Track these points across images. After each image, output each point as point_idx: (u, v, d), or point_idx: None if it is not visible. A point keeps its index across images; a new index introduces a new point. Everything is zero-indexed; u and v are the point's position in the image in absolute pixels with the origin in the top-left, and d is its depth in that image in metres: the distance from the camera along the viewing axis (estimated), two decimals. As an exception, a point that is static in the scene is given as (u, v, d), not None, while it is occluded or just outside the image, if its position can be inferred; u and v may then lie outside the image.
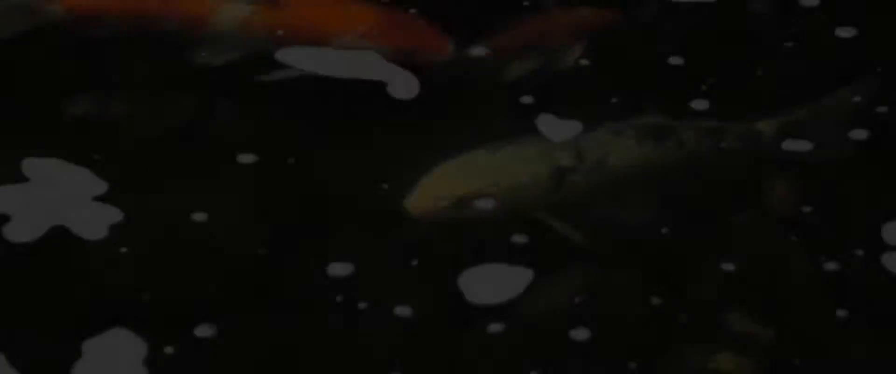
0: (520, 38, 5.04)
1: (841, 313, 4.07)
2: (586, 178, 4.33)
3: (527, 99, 4.81)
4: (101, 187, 4.33)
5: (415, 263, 4.17)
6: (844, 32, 5.13)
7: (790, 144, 4.60)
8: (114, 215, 4.25)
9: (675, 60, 5.01)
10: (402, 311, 4.05)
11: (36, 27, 4.96)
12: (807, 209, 4.42)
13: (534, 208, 4.26)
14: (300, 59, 4.82)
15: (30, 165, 4.39)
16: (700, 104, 4.78)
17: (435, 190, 4.23)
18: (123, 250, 4.18)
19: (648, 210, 4.36)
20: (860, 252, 4.23)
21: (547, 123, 4.68)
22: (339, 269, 4.13)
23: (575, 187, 4.32)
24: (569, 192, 4.32)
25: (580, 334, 4.01)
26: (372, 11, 4.86)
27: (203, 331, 3.94)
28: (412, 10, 4.95)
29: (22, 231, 4.19)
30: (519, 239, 4.24)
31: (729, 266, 4.22)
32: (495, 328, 4.01)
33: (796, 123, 4.63)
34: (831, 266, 4.21)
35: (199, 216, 4.28)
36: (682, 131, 4.53)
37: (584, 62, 5.00)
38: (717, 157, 4.55)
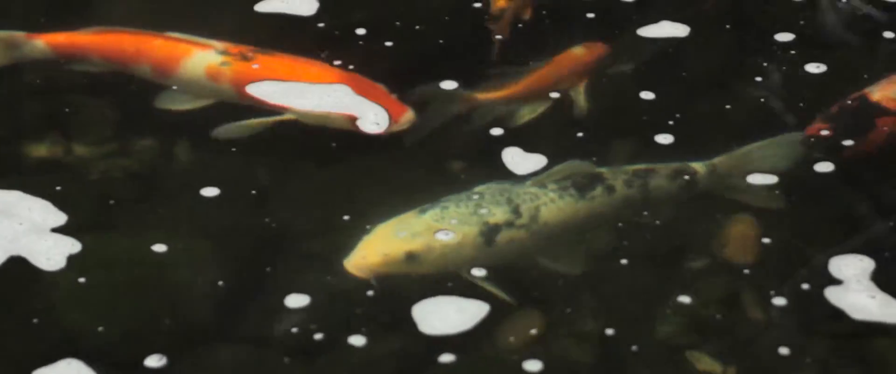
0: (526, 85, 5.07)
1: (783, 350, 4.07)
2: (523, 232, 4.32)
3: (496, 131, 4.83)
4: (61, 218, 4.37)
5: (370, 294, 4.18)
6: (814, 68, 5.14)
7: (745, 181, 4.60)
8: (73, 246, 4.28)
9: (647, 95, 5.03)
10: (357, 341, 4.06)
11: (14, 61, 5.02)
12: (766, 241, 4.41)
13: (466, 265, 4.26)
14: (272, 93, 4.85)
15: (-10, 195, 4.45)
16: (665, 139, 4.79)
17: (373, 251, 4.22)
18: (81, 280, 4.21)
19: (582, 262, 4.35)
20: (806, 286, 4.23)
21: (512, 156, 4.70)
22: (295, 300, 4.15)
23: (512, 243, 4.32)
24: (505, 247, 4.31)
25: (533, 365, 4.01)
26: (335, 75, 4.90)
27: (154, 362, 3.96)
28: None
29: (-20, 261, 4.25)
30: (477, 273, 4.24)
31: (684, 303, 4.22)
32: (448, 359, 4.02)
33: (733, 160, 4.64)
34: (779, 302, 4.21)
35: (159, 248, 4.31)
36: (609, 178, 4.51)
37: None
38: (650, 201, 4.53)
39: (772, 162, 4.63)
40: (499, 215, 4.31)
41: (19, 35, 5.04)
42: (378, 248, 4.22)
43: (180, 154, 4.80)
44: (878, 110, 4.71)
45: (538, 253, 4.33)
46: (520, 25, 5.41)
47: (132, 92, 4.99)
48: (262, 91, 4.85)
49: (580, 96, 5.06)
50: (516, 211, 4.33)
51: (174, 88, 4.92)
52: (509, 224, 4.30)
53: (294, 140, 4.80)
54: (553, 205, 4.38)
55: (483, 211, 4.31)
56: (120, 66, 5.00)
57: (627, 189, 4.48)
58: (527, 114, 4.98)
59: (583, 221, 4.43)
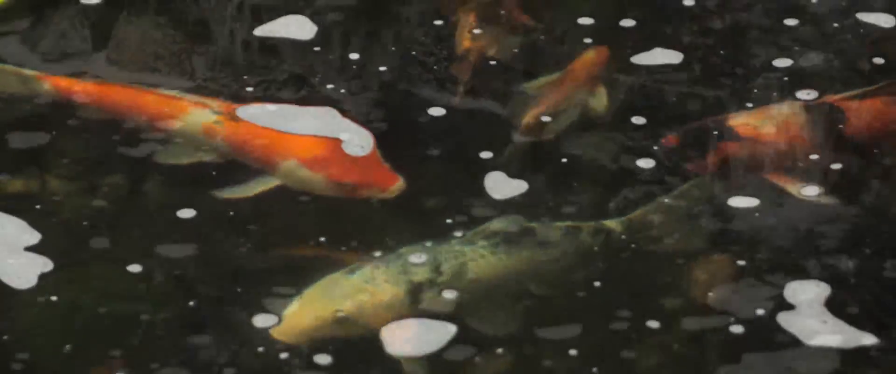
0: (562, 94, 5.11)
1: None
2: (448, 290, 4.30)
3: (485, 154, 4.83)
4: (34, 237, 4.42)
5: (339, 313, 4.19)
6: (804, 95, 5.12)
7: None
8: (44, 264, 4.32)
9: (638, 120, 5.02)
10: (322, 359, 4.07)
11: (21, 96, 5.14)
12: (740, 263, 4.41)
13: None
14: (259, 114, 4.88)
15: (-38, 214, 4.51)
16: (646, 163, 4.78)
17: (300, 317, 4.20)
18: (53, 298, 4.25)
19: (514, 321, 4.31)
20: (761, 312, 4.21)
21: (494, 181, 4.71)
22: (263, 320, 4.17)
23: (437, 302, 4.28)
24: (430, 306, 4.27)
25: (498, 385, 4.03)
26: (329, 139, 4.91)
27: (121, 383, 4.02)
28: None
29: (-50, 278, 4.30)
30: (448, 295, 4.24)
31: (653, 327, 4.21)
32: (413, 380, 4.04)
33: (640, 217, 4.61)
34: (736, 329, 4.19)
35: (134, 268, 4.34)
36: (540, 233, 4.47)
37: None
38: (580, 256, 4.50)
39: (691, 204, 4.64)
40: (423, 273, 4.29)
41: (32, 74, 5.17)
42: (307, 313, 4.20)
43: (150, 184, 4.82)
44: (730, 134, 4.82)
45: (467, 315, 4.27)
46: (513, 51, 5.44)
47: (108, 128, 5.03)
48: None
49: (603, 98, 5.13)
50: (441, 268, 4.31)
51: (178, 140, 4.95)
52: (434, 281, 4.27)
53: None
54: (480, 261, 4.36)
55: (411, 270, 4.29)
56: (117, 116, 5.04)
57: (557, 246, 4.46)
58: (564, 121, 5.02)
59: (511, 278, 4.39)
